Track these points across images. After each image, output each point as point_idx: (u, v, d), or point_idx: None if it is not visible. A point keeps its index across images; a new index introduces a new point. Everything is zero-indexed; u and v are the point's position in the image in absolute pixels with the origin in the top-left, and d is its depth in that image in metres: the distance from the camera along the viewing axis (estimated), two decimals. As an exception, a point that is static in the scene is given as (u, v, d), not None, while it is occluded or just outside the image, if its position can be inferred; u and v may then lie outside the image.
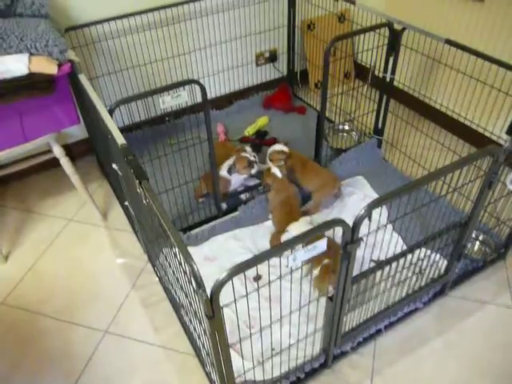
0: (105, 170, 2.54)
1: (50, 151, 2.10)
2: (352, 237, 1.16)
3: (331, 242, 1.88)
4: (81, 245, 2.16)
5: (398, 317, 1.73)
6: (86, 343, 1.75)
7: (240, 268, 1.00)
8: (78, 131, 2.56)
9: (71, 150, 2.54)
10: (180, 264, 1.19)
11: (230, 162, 2.20)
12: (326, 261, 1.68)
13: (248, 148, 2.28)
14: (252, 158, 2.19)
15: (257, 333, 1.25)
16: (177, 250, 1.10)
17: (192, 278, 1.02)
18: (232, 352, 1.17)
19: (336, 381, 1.59)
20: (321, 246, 1.10)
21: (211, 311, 1.02)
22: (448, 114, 2.31)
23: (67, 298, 1.92)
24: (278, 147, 2.26)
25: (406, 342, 1.70)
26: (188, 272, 1.10)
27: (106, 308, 1.88)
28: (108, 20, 2.20)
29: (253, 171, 2.19)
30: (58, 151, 2.06)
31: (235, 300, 1.06)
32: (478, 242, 1.98)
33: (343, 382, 1.58)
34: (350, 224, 1.14)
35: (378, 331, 1.70)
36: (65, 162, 2.09)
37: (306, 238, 1.06)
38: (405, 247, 1.94)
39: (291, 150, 2.27)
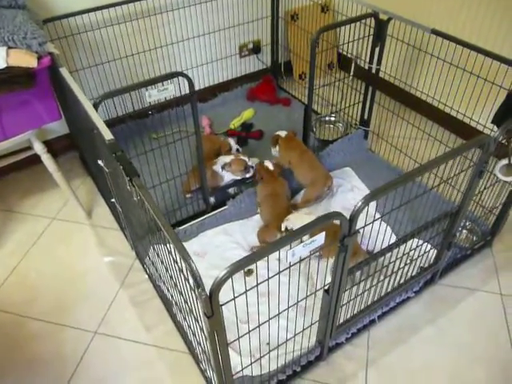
0: (88, 167, 2.47)
1: (30, 148, 2.03)
2: (349, 229, 1.15)
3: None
4: (66, 244, 2.10)
5: (391, 307, 1.75)
6: (76, 345, 1.71)
7: (240, 265, 0.98)
8: (58, 126, 2.48)
9: (52, 146, 2.46)
10: (175, 262, 1.16)
11: (226, 159, 2.16)
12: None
13: (232, 141, 2.25)
14: (250, 163, 2.16)
15: (253, 328, 1.23)
16: (172, 247, 1.07)
17: (190, 277, 0.99)
18: (229, 349, 1.15)
19: (331, 373, 1.59)
20: (319, 239, 1.09)
21: (210, 310, 1.00)
22: (433, 105, 2.32)
23: (54, 299, 1.87)
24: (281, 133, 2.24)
25: (399, 332, 1.71)
26: (185, 270, 1.07)
27: (95, 308, 1.83)
28: (88, 11, 2.13)
29: (247, 175, 2.17)
30: (39, 148, 1.99)
31: (234, 298, 1.04)
32: (465, 231, 2.01)
33: (339, 373, 1.59)
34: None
35: (372, 321, 1.71)
36: (46, 158, 2.02)
37: (305, 232, 1.05)
38: (394, 237, 1.96)
39: (289, 131, 2.24)
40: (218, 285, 0.96)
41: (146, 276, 1.94)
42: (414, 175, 1.25)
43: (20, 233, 2.16)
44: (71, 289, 1.91)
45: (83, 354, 1.68)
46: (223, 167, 2.14)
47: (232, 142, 2.37)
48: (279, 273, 1.10)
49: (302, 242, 1.06)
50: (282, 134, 2.25)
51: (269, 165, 2.10)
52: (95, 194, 2.37)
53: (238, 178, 2.19)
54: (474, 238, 1.98)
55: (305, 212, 1.95)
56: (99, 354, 1.68)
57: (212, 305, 0.98)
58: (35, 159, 2.06)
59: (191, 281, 1.02)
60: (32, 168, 2.46)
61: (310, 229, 1.05)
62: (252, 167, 2.16)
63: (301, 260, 1.11)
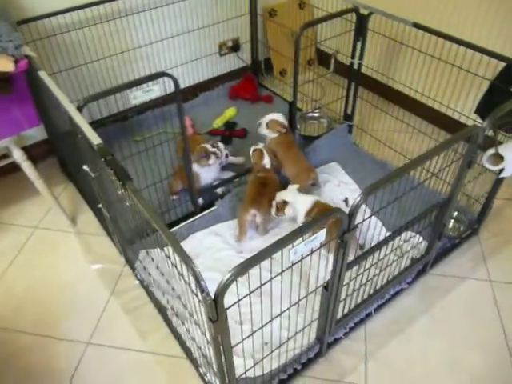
0: (69, 172, 2.40)
1: (7, 156, 1.96)
2: (349, 225, 1.14)
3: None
4: (51, 253, 2.03)
5: (385, 299, 1.76)
6: (69, 357, 1.66)
7: (243, 267, 0.96)
8: (36, 132, 2.39)
9: (30, 153, 2.37)
10: (175, 266, 1.14)
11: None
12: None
13: (220, 144, 2.22)
14: (211, 149, 2.12)
15: (256, 330, 1.22)
16: (171, 251, 1.04)
17: (193, 281, 0.97)
18: (231, 352, 1.14)
19: (332, 368, 1.59)
20: (320, 236, 1.08)
21: (215, 314, 0.98)
22: (416, 98, 2.36)
23: (42, 311, 1.81)
24: (279, 117, 2.21)
25: (395, 323, 1.73)
26: (187, 275, 1.05)
27: (86, 318, 1.78)
28: (64, 11, 2.06)
29: (210, 161, 2.12)
30: (18, 155, 1.92)
31: (239, 300, 1.03)
32: (452, 220, 2.04)
33: (339, 368, 1.59)
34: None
35: (368, 315, 1.72)
36: (27, 166, 1.95)
37: (307, 230, 1.04)
38: (384, 229, 1.97)
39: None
40: (223, 288, 0.94)
41: (137, 282, 1.90)
42: (408, 169, 1.26)
43: (2, 243, 2.08)
44: (59, 299, 1.85)
45: (77, 366, 1.63)
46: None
47: (221, 145, 2.30)
48: (282, 272, 1.09)
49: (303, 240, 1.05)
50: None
51: (267, 163, 2.09)
52: (78, 200, 2.30)
53: (214, 170, 2.15)
54: (462, 228, 2.02)
55: (294, 189, 1.98)
56: (94, 365, 1.64)
57: (217, 309, 0.96)
58: (12, 167, 1.98)
59: (193, 285, 1.00)
60: (10, 176, 2.37)
61: (312, 226, 1.04)
62: (214, 153, 2.12)
63: (302, 258, 1.10)
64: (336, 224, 1.15)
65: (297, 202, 1.92)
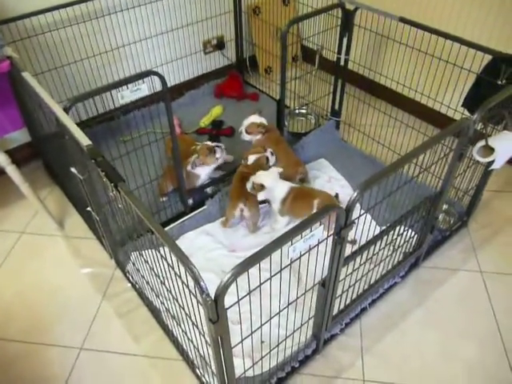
0: (55, 175, 2.35)
1: (-9, 160, 1.90)
2: (346, 221, 1.14)
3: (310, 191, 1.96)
4: (39, 258, 1.99)
5: (380, 293, 1.77)
6: (62, 363, 1.62)
7: (243, 267, 0.95)
8: (19, 135, 2.34)
9: (13, 156, 2.31)
10: (171, 267, 1.12)
11: (194, 157, 2.11)
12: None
13: (215, 144, 2.19)
14: (211, 144, 2.11)
15: (255, 330, 1.21)
16: (167, 252, 1.03)
17: (193, 282, 0.95)
18: (231, 352, 1.12)
19: (329, 365, 1.59)
20: (318, 233, 1.08)
21: (216, 315, 0.96)
22: (403, 93, 2.37)
23: (32, 318, 1.76)
24: (256, 119, 2.19)
25: (389, 317, 1.74)
26: (184, 275, 1.03)
27: (78, 323, 1.75)
28: (45, 11, 2.01)
29: (217, 155, 2.11)
30: (2, 159, 1.87)
31: (239, 300, 1.01)
32: (442, 213, 2.06)
33: (336, 365, 1.59)
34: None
35: (363, 310, 1.73)
36: (11, 170, 1.90)
37: (305, 228, 1.03)
38: (373, 223, 1.97)
39: (269, 123, 2.22)
40: (223, 289, 0.93)
41: (129, 284, 1.87)
42: (402, 163, 1.26)
43: (-13, 250, 2.03)
44: (50, 305, 1.81)
45: (70, 372, 1.60)
46: (194, 163, 2.08)
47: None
48: (281, 270, 1.08)
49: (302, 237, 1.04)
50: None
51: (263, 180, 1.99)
52: (65, 203, 2.26)
53: (213, 167, 2.14)
54: (452, 220, 2.04)
55: (276, 171, 1.99)
56: (88, 371, 1.60)
57: (217, 310, 0.95)
58: (-4, 171, 1.93)
59: (191, 286, 0.98)
60: (-7, 181, 2.31)
61: (310, 223, 1.03)
62: (219, 146, 2.12)
63: (301, 255, 1.09)
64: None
65: (274, 190, 1.93)
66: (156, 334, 1.70)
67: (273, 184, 1.92)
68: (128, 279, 1.87)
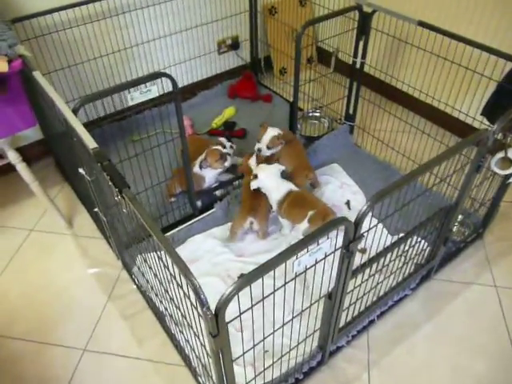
0: (66, 173, 2.35)
1: (2, 157, 1.91)
2: (354, 234, 1.10)
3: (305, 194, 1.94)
4: (47, 256, 1.99)
5: (389, 305, 1.72)
6: (65, 364, 1.62)
7: (247, 281, 0.92)
8: (31, 132, 2.34)
9: (25, 153, 2.32)
10: (173, 276, 1.09)
11: (202, 157, 2.09)
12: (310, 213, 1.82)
13: (223, 139, 2.17)
14: (224, 150, 2.09)
15: (258, 342, 1.18)
16: (170, 261, 1.00)
17: (193, 296, 0.93)
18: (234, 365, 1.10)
19: (335, 377, 1.55)
20: (325, 246, 1.04)
21: (216, 329, 0.93)
22: (420, 98, 2.30)
23: (37, 317, 1.76)
24: (274, 131, 2.08)
25: (398, 330, 1.69)
26: (185, 286, 1.00)
27: (82, 323, 1.74)
28: (59, 9, 2.00)
29: (226, 164, 2.09)
30: (13, 156, 1.87)
31: (240, 314, 0.98)
32: (456, 224, 2.00)
33: (342, 377, 1.56)
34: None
35: (371, 322, 1.68)
36: (22, 168, 1.90)
37: (312, 240, 1.00)
38: (385, 231, 1.92)
39: (283, 129, 2.15)
40: (224, 303, 0.90)
41: (135, 286, 1.86)
42: (416, 175, 1.22)
43: (-4, 247, 2.04)
44: (55, 304, 1.81)
45: (73, 374, 1.59)
46: (200, 165, 2.06)
47: (223, 139, 2.25)
48: (285, 284, 1.04)
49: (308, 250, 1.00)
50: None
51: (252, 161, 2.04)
52: (75, 201, 2.26)
53: (219, 171, 2.12)
54: (466, 232, 1.98)
55: (277, 166, 1.98)
56: (90, 373, 1.59)
57: (218, 324, 0.92)
58: (7, 168, 1.93)
59: (193, 298, 0.95)
60: (5, 177, 2.32)
61: (316, 237, 1.00)
62: (229, 154, 2.10)
63: (306, 269, 1.05)
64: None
65: (272, 191, 1.90)
66: (160, 337, 1.69)
67: (268, 178, 1.89)
68: (133, 281, 1.86)
